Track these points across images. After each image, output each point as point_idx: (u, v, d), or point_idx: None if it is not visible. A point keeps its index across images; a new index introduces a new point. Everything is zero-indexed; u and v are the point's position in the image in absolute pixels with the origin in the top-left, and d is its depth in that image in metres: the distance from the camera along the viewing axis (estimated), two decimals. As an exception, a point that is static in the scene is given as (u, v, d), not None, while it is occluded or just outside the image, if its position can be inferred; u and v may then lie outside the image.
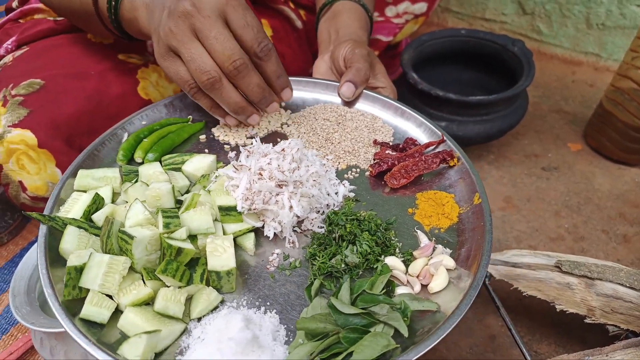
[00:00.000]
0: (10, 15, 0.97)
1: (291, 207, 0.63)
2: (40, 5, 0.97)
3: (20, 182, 0.76)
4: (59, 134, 0.78)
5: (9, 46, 0.91)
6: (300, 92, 0.87)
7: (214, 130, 0.81)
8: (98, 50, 0.91)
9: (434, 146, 0.77)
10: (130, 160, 0.74)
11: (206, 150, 0.78)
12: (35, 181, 0.77)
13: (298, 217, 0.64)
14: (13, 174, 0.76)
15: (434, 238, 0.66)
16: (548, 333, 0.95)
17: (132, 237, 0.53)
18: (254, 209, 0.61)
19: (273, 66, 0.69)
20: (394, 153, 0.76)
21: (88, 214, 0.61)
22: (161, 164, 0.72)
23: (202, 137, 0.80)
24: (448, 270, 0.61)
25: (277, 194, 0.63)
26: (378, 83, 0.91)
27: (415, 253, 0.63)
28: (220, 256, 0.55)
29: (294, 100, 0.87)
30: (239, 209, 0.61)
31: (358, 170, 0.76)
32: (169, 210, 0.57)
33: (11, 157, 0.74)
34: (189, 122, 0.82)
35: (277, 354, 0.51)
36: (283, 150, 0.66)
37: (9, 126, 0.75)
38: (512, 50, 1.27)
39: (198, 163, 0.70)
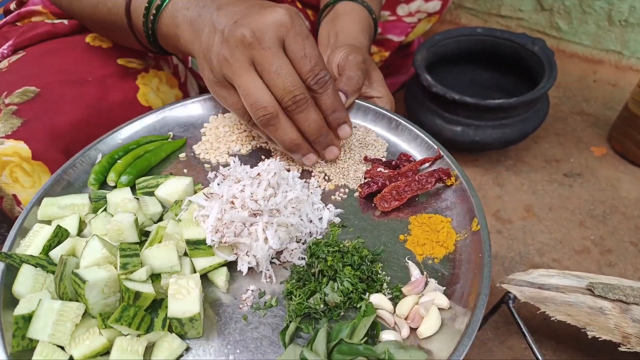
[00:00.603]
0: (7, 18, 0.94)
1: (266, 238, 0.57)
2: (38, 7, 0.94)
3: (14, 195, 0.73)
4: (55, 145, 0.74)
5: (5, 51, 0.88)
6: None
7: (194, 147, 0.76)
8: (97, 54, 0.88)
9: (430, 163, 0.69)
10: (103, 184, 0.69)
11: (185, 170, 0.73)
12: (30, 195, 0.73)
13: (275, 249, 0.58)
14: (7, 187, 0.73)
15: (426, 272, 0.59)
16: (576, 357, 0.87)
17: (84, 281, 0.48)
18: (225, 242, 0.56)
19: (328, 99, 0.64)
20: (386, 171, 0.69)
21: (48, 249, 0.56)
22: (134, 188, 0.68)
23: (182, 155, 0.75)
24: (441, 310, 0.54)
25: (252, 225, 0.57)
26: (374, 92, 0.84)
27: (404, 289, 0.56)
28: (183, 299, 0.50)
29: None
30: (208, 242, 0.55)
31: (347, 190, 0.69)
32: (129, 248, 0.52)
33: (4, 169, 0.71)
34: (169, 140, 0.77)
35: (241, 413, 0.45)
36: (258, 175, 0.60)
37: (1, 137, 0.71)
38: (532, 49, 1.19)
39: (172, 187, 0.65)
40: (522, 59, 1.22)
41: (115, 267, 0.52)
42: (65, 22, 0.91)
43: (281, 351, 0.51)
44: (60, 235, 0.58)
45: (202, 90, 1.07)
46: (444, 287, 0.57)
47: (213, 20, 0.62)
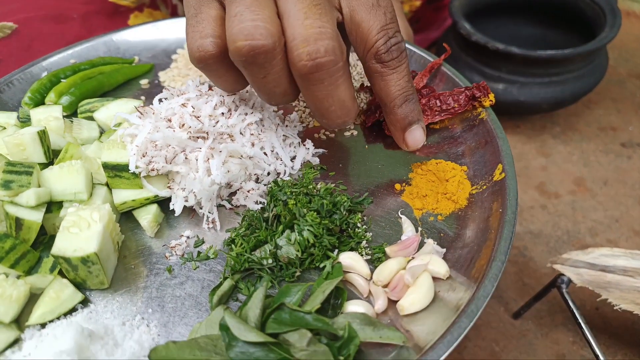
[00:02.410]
0: None
1: (209, 170, 0.43)
2: None
3: None
4: None
5: None
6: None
7: (160, 74, 0.63)
8: None
9: (439, 65, 0.55)
10: (41, 105, 0.58)
11: (142, 98, 0.60)
12: None
13: (222, 185, 0.44)
14: None
15: (422, 229, 0.43)
16: (635, 354, 0.71)
17: (-50, 199, 0.36)
18: (153, 170, 0.42)
19: (401, 80, 0.42)
20: None
21: (-57, 167, 0.45)
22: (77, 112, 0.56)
23: (144, 81, 0.62)
24: (436, 280, 0.38)
25: (192, 151, 0.43)
26: None
27: (389, 250, 0.41)
28: (78, 235, 0.37)
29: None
30: (131, 168, 0.42)
31: (335, 130, 0.54)
32: (20, 164, 0.40)
33: None
34: (133, 64, 0.64)
35: (127, 394, 0.32)
36: (210, 89, 0.46)
37: None
38: (589, -4, 0.99)
39: (115, 110, 0.53)
40: (576, 8, 1.03)
41: (3, 189, 0.39)
42: None
43: (207, 315, 0.37)
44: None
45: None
46: (444, 250, 0.41)
47: None
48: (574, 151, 1.01)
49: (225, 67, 0.39)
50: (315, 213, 0.41)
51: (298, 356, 0.32)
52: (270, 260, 0.39)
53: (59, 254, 0.36)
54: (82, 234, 0.37)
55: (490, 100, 0.50)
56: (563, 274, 0.65)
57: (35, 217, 0.38)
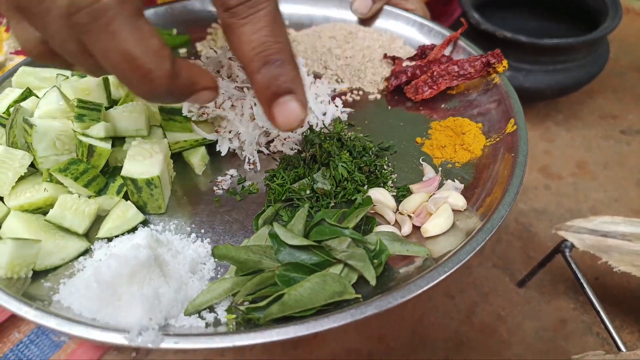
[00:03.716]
0: None
1: (253, 116, 0.48)
2: None
3: None
4: None
5: None
6: (308, 7, 0.72)
7: (197, 44, 0.69)
8: None
9: (456, 38, 0.62)
10: (92, 68, 0.63)
11: (183, 64, 0.65)
12: None
13: (263, 130, 0.49)
14: None
15: (441, 170, 0.48)
16: (632, 321, 0.75)
17: (32, 126, 0.41)
18: (204, 114, 0.48)
19: (256, 34, 0.32)
20: (413, 63, 0.60)
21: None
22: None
23: (182, 50, 0.68)
24: (455, 212, 0.44)
25: (238, 100, 0.49)
26: (407, 4, 0.74)
27: (413, 187, 0.46)
28: (143, 162, 0.42)
29: (299, 18, 0.72)
30: (184, 112, 0.47)
31: (360, 93, 0.60)
32: (90, 102, 0.45)
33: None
34: (171, 35, 0.70)
35: (190, 288, 0.37)
36: (253, 48, 0.52)
37: (11, 53, 0.69)
38: (592, -11, 1.05)
39: (162, 70, 0.58)
40: (580, 2, 1.09)
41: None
42: None
43: (253, 236, 0.42)
44: (28, 98, 0.51)
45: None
46: (462, 185, 0.46)
47: None
48: (577, 137, 1.06)
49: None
50: (347, 153, 0.46)
51: (339, 257, 0.37)
52: (308, 191, 0.44)
53: (127, 176, 0.41)
54: (146, 161, 0.42)
55: (503, 67, 0.55)
56: (567, 240, 0.69)
57: (105, 146, 0.43)
